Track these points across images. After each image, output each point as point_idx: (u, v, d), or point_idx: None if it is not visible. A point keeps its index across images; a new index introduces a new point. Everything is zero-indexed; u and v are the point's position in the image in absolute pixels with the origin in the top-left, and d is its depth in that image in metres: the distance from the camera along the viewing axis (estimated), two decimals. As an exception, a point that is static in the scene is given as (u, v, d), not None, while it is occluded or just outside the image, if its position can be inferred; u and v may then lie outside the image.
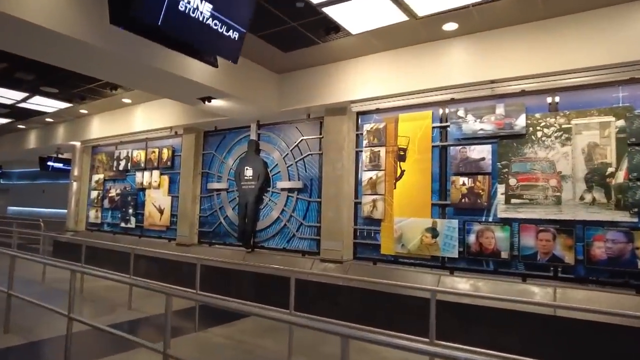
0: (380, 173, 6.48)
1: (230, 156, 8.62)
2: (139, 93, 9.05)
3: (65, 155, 15.54)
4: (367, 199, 6.57)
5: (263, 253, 7.82)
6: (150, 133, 9.89)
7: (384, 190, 6.43)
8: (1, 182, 22.32)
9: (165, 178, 9.68)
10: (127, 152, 10.70)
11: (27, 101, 9.93)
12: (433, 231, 5.89)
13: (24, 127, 13.48)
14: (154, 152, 9.99)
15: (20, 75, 7.98)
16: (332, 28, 5.62)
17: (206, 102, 6.98)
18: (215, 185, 8.75)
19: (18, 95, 9.40)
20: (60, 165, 15.61)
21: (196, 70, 6.03)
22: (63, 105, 10.06)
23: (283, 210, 7.70)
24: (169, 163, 9.63)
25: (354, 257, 6.72)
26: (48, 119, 12.11)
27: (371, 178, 6.56)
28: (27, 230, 12.88)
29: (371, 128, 6.67)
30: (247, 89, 6.92)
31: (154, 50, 5.14)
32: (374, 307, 5.79)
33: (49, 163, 15.35)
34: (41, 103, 10.02)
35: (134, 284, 5.96)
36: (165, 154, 9.72)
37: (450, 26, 5.48)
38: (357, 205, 6.79)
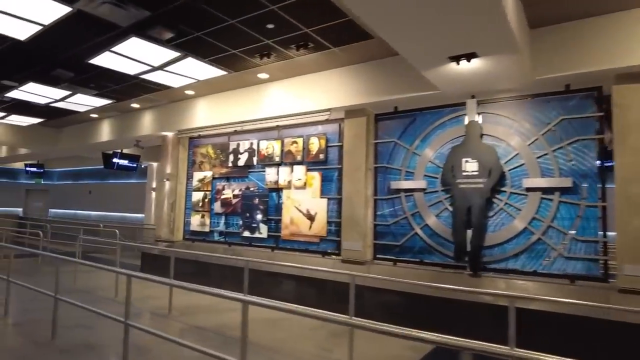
0: None
1: (428, 145, 6.42)
2: (282, 66, 6.94)
3: (129, 151, 13.43)
4: None
5: (496, 278, 5.63)
6: (290, 119, 7.68)
7: None
8: (42, 182, 20.13)
9: (315, 175, 7.48)
10: (250, 144, 8.50)
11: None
12: None
13: (96, 116, 11.28)
14: (295, 142, 7.79)
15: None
16: None
17: (459, 63, 4.77)
18: (403, 184, 6.55)
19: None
20: (125, 162, 13.46)
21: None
22: (179, 81, 7.81)
23: (534, 218, 5.50)
24: (320, 156, 7.43)
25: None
26: (134, 105, 9.91)
27: None
28: (106, 239, 10.72)
29: None
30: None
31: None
32: None
33: (114, 160, 13.17)
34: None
35: (352, 324, 3.72)
36: (315, 144, 7.53)
37: None
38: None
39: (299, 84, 7.40)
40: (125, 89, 8.44)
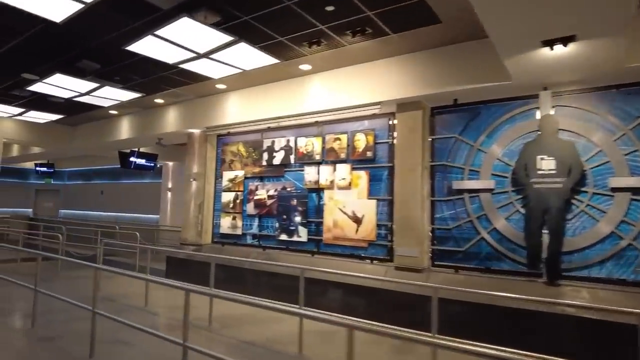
0: None
1: (495, 141, 5.87)
2: (328, 55, 6.43)
3: (146, 150, 12.92)
4: None
5: (579, 288, 5.08)
6: (333, 114, 7.14)
7: None
8: (52, 182, 19.59)
9: (362, 174, 6.94)
10: (287, 141, 7.96)
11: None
12: None
13: (115, 112, 10.74)
14: (338, 139, 7.25)
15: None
16: None
17: (553, 48, 4.22)
18: (467, 184, 6.00)
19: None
20: (142, 161, 12.95)
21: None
22: (221, 71, 7.08)
23: (623, 221, 4.96)
24: (368, 153, 6.89)
25: None
26: (157, 100, 9.38)
27: None
28: (127, 242, 10.18)
29: None
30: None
31: None
32: None
33: (131, 159, 12.66)
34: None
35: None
36: (361, 141, 6.98)
37: None
38: None
39: (345, 75, 6.86)
40: (152, 81, 7.90)
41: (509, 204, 5.66)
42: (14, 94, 9.02)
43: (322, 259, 7.16)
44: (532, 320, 4.78)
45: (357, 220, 6.88)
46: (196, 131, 9.33)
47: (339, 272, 5.40)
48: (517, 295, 4.25)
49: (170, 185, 15.16)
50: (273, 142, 8.16)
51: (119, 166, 15.18)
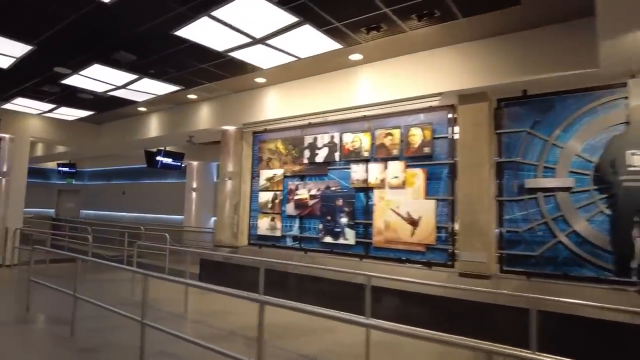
0: None
1: (573, 135, 5.33)
2: (383, 44, 5.98)
3: (172, 148, 12.58)
4: None
5: (679, 297, 4.52)
6: (383, 107, 6.67)
7: None
8: (73, 182, 19.40)
9: (417, 172, 6.44)
10: (331, 137, 7.50)
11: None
12: None
13: (144, 109, 10.39)
14: (389, 134, 6.77)
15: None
16: None
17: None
18: (541, 183, 5.47)
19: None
20: (169, 160, 12.60)
21: None
22: (272, 60, 6.59)
23: None
24: (425, 149, 6.40)
25: None
26: (190, 96, 8.99)
27: None
28: (155, 243, 9.81)
29: None
30: None
31: None
32: None
33: (158, 158, 12.31)
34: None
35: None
36: (417, 136, 6.49)
37: None
38: None
39: (401, 65, 6.37)
40: (188, 75, 7.50)
41: (591, 204, 5.12)
42: (44, 90, 8.72)
43: (371, 264, 6.67)
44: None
45: (413, 222, 6.38)
46: (231, 128, 8.92)
47: (410, 280, 4.91)
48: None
49: (194, 185, 14.81)
50: (315, 139, 7.71)
51: (141, 166, 14.90)
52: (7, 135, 10.66)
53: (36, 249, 7.20)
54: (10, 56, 6.71)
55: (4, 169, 10.68)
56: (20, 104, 9.91)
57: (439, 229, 6.19)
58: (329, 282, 6.47)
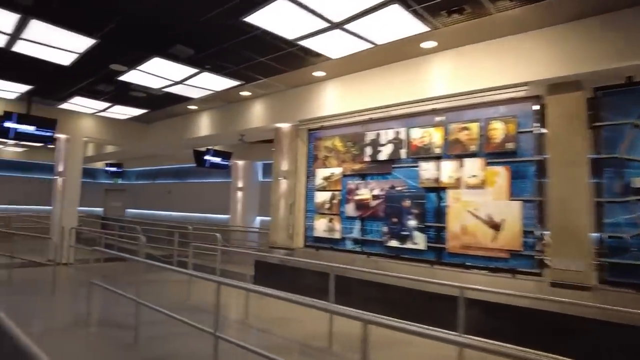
0: None
1: (694, 127, 4.61)
2: (460, 29, 5.44)
3: (220, 148, 12.41)
4: None
5: None
6: (457, 99, 6.12)
7: None
8: (119, 181, 19.76)
9: (499, 171, 5.85)
10: (396, 133, 7.00)
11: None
12: None
13: (194, 108, 10.23)
14: (465, 128, 6.20)
15: None
16: None
17: None
18: (652, 182, 4.78)
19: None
20: (218, 160, 12.46)
21: None
22: (345, 48, 6.09)
23: None
24: (508, 145, 5.79)
25: None
26: (243, 93, 8.71)
27: None
28: (204, 243, 9.60)
29: None
30: None
31: None
32: None
33: (206, 157, 12.18)
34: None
35: None
36: (499, 130, 5.90)
37: None
38: None
39: (480, 52, 5.81)
40: (244, 70, 7.20)
41: None
42: (99, 89, 8.67)
43: (445, 271, 6.12)
44: None
45: (495, 226, 5.79)
46: (285, 126, 8.58)
47: (507, 292, 4.35)
48: None
49: (240, 185, 14.65)
50: (378, 135, 7.23)
51: (186, 165, 14.85)
52: (63, 136, 10.77)
53: (95, 250, 7.11)
54: (73, 52, 6.60)
55: (60, 169, 10.80)
56: (77, 102, 9.96)
57: (525, 233, 5.57)
58: (394, 289, 5.98)
